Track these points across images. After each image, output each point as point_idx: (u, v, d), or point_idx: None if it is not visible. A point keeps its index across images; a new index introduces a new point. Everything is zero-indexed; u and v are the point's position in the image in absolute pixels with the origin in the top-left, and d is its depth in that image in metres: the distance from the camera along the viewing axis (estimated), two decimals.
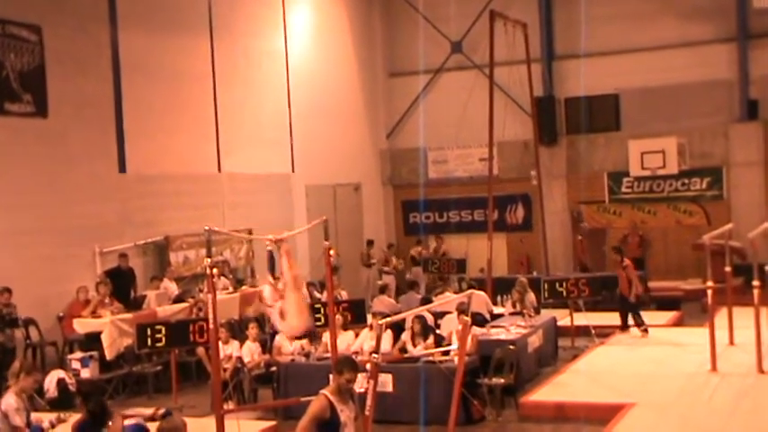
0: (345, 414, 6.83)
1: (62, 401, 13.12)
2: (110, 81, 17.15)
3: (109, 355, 14.30)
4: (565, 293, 15.97)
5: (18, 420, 7.91)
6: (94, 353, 14.10)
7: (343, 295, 17.05)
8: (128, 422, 7.62)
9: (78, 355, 14.15)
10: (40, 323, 15.10)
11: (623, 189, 23.82)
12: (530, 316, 14.98)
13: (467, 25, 24.49)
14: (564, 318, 16.20)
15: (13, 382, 8.12)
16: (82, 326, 14.79)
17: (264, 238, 10.28)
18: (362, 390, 8.36)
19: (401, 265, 22.98)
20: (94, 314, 14.88)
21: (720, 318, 14.33)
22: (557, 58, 24.36)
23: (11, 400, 7.97)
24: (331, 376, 7.16)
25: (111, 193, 16.93)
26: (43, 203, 15.53)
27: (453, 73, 25.02)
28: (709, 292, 13.38)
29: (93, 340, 14.46)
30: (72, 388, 13.39)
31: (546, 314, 15.80)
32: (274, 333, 14.70)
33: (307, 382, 11.61)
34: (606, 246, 23.29)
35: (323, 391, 6.89)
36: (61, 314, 15.38)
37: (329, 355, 11.41)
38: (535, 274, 20.55)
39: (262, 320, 16.52)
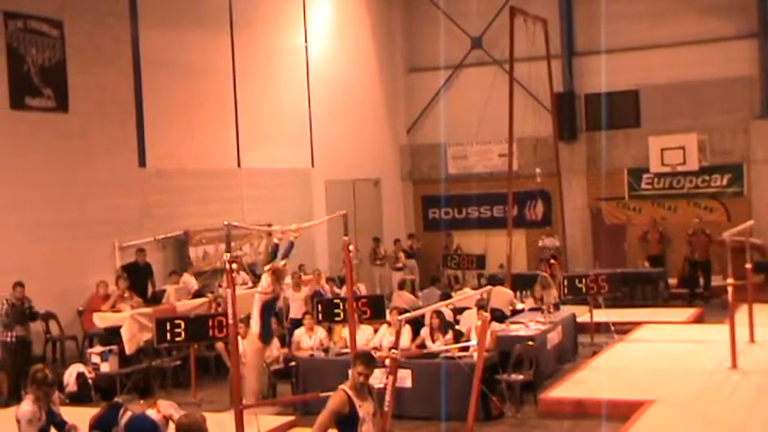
0: (364, 409, 6.82)
1: (81, 395, 13.19)
2: (130, 76, 17.20)
3: (128, 350, 14.33)
4: (584, 290, 15.91)
5: (27, 430, 7.85)
6: (114, 347, 14.14)
7: (362, 290, 17.06)
8: (150, 411, 7.60)
9: (98, 349, 14.20)
10: (59, 317, 15.18)
11: (643, 185, 23.72)
12: (549, 312, 14.94)
13: (487, 21, 24.42)
14: (583, 314, 16.13)
15: (30, 388, 8.05)
16: (102, 320, 14.86)
17: (272, 229, 10.64)
18: (381, 385, 8.37)
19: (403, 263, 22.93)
20: (114, 308, 14.94)
21: (741, 315, 14.23)
22: (577, 54, 24.27)
23: (27, 408, 7.84)
24: (350, 371, 7.16)
25: (130, 188, 16.99)
26: (63, 197, 15.61)
27: (473, 69, 24.97)
28: (730, 288, 13.28)
29: (112, 334, 14.50)
30: (92, 382, 13.46)
31: (565, 310, 15.74)
32: (293, 328, 14.76)
33: (325, 377, 11.59)
34: (626, 242, 23.23)
35: (342, 387, 6.89)
36: (81, 308, 15.47)
37: (348, 350, 11.41)
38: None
39: (280, 315, 16.56)
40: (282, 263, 11.16)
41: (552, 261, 19.72)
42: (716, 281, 20.01)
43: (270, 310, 11.46)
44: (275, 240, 11.34)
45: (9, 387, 13.26)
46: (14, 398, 12.67)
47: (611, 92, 23.53)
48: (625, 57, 23.21)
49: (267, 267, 11.18)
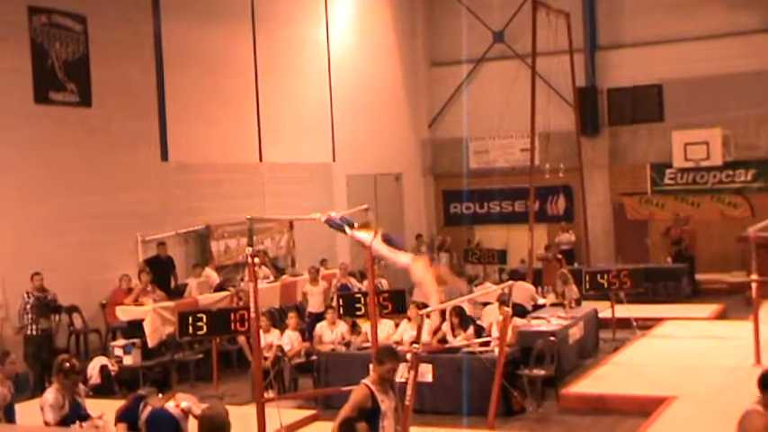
0: (386, 404, 6.84)
1: (105, 388, 13.29)
2: (152, 70, 17.27)
3: (151, 343, 14.42)
4: (606, 285, 15.85)
5: (49, 417, 7.97)
6: (137, 340, 14.22)
7: (384, 284, 17.06)
8: (169, 405, 7.66)
9: (121, 342, 14.28)
10: (83, 310, 15.28)
11: (666, 180, 23.60)
12: (570, 307, 14.90)
13: (509, 15, 24.33)
14: (605, 310, 16.06)
15: (56, 378, 8.17)
16: (124, 313, 14.95)
17: (295, 217, 10.35)
18: (403, 380, 8.37)
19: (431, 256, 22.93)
20: (137, 302, 15.02)
21: (765, 311, 14.16)
22: (599, 48, 24.13)
23: (49, 396, 8.00)
24: (371, 366, 7.17)
25: (152, 182, 17.07)
26: (87, 191, 15.71)
27: (495, 63, 24.89)
28: (754, 284, 13.19)
29: (135, 328, 14.58)
30: (114, 375, 13.55)
31: (587, 306, 15.69)
32: (313, 322, 14.78)
33: (347, 371, 11.63)
34: (648, 238, 23.10)
35: (364, 381, 6.91)
36: (104, 301, 15.56)
37: (369, 344, 11.42)
38: (576, 265, 20.41)
39: (301, 309, 16.61)
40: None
41: (559, 256, 19.67)
42: (739, 277, 19.85)
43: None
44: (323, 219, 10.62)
45: (34, 379, 13.38)
46: (39, 389, 12.80)
47: (635, 86, 23.41)
48: (648, 50, 23.08)
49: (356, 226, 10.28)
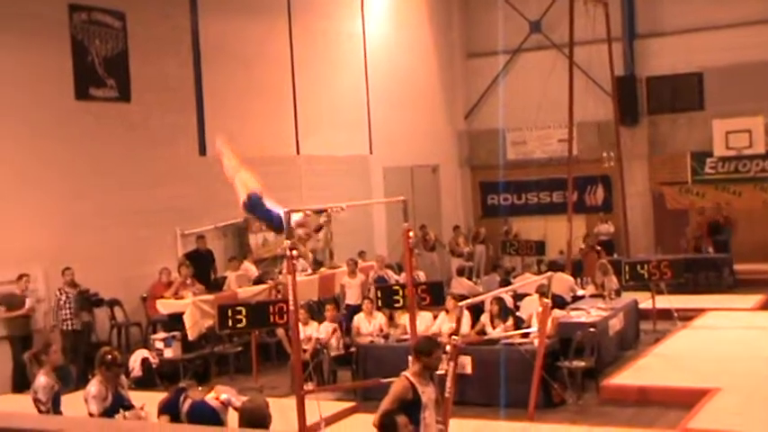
0: (426, 395, 6.84)
1: (146, 380, 13.39)
2: (190, 65, 17.39)
3: (191, 336, 14.52)
4: (646, 276, 15.72)
5: (94, 408, 8.09)
6: (177, 333, 14.32)
7: (422, 276, 17.04)
8: (209, 397, 7.74)
9: (162, 335, 14.39)
10: (124, 304, 15.44)
11: (707, 170, 23.33)
12: (610, 298, 14.79)
13: (546, 4, 24.15)
14: (645, 300, 15.93)
15: (98, 370, 8.30)
16: (165, 307, 15.06)
17: (326, 206, 10.39)
18: (442, 372, 8.37)
19: (468, 247, 22.81)
20: (177, 295, 15.13)
21: None
22: (638, 37, 23.89)
23: (92, 388, 8.14)
24: (410, 358, 7.15)
25: (191, 176, 17.16)
26: (126, 186, 15.85)
27: (532, 53, 24.73)
28: None
29: (175, 321, 14.69)
30: (155, 368, 13.66)
31: (627, 297, 15.57)
32: (350, 314, 14.80)
33: (386, 363, 11.65)
34: (689, 228, 22.87)
35: (404, 373, 6.91)
36: (145, 295, 15.70)
37: (408, 336, 11.42)
38: (615, 256, 20.25)
39: (339, 301, 16.64)
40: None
41: (598, 247, 19.52)
42: None
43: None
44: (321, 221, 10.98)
45: (78, 372, 13.56)
46: (83, 382, 12.96)
47: (674, 74, 23.17)
48: (688, 38, 22.80)
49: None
